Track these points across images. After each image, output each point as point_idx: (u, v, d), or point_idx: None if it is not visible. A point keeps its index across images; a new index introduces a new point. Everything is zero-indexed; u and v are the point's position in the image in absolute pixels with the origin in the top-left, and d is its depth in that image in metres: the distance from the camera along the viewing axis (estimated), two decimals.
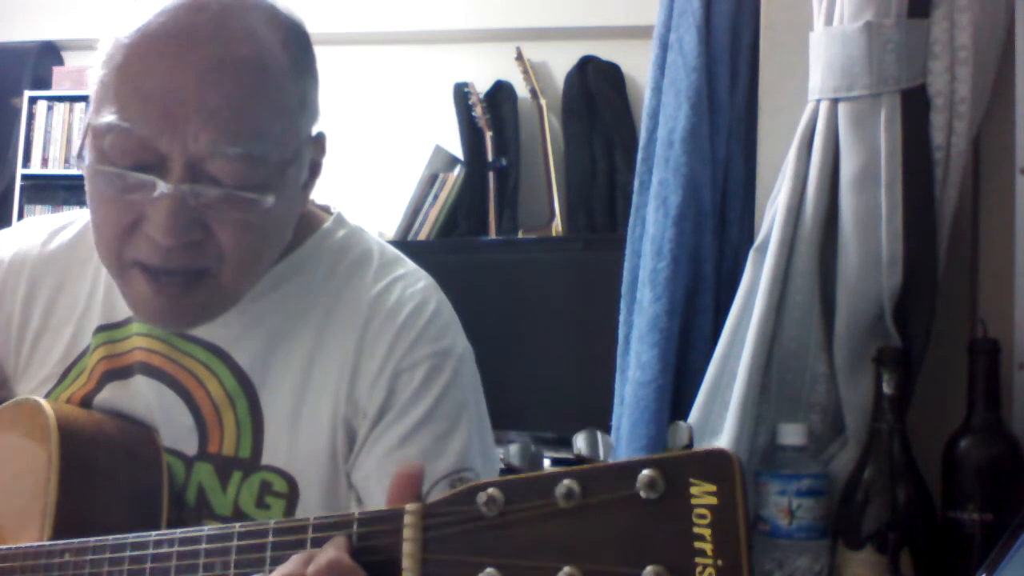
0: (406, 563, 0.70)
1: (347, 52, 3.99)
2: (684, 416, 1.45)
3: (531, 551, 0.65)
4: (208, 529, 0.83)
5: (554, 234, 3.68)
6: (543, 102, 3.86)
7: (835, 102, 1.34)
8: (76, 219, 1.18)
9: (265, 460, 1.05)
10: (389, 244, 1.17)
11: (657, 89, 1.68)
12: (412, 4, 4.09)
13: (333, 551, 0.73)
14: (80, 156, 0.98)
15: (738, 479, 0.61)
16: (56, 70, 4.44)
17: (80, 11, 4.13)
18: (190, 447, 1.07)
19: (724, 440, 1.34)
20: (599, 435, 0.69)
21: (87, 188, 1.00)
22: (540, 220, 3.78)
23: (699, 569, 0.61)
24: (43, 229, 1.18)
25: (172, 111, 0.92)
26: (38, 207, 4.32)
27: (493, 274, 3.42)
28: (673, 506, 0.62)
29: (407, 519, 0.71)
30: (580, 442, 0.68)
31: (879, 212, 1.31)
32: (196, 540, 0.83)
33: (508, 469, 0.71)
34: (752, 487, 1.32)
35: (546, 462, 2.50)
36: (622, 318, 1.70)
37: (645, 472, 0.63)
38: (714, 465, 0.62)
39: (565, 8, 3.92)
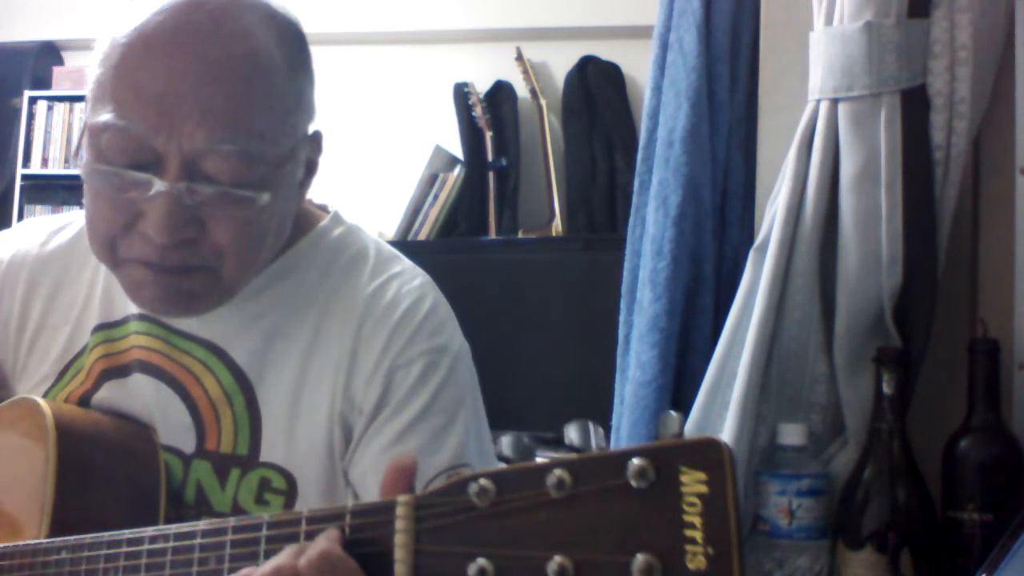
0: (398, 554, 0.70)
1: (347, 52, 3.99)
2: (684, 416, 1.45)
3: (523, 541, 0.66)
4: (203, 524, 0.83)
5: (554, 234, 3.68)
6: (543, 102, 3.86)
7: (835, 102, 1.34)
8: (75, 220, 1.18)
9: (263, 457, 1.05)
10: (387, 243, 1.18)
11: (657, 89, 1.68)
12: (412, 4, 4.10)
13: (325, 543, 0.74)
14: (78, 155, 0.99)
15: (728, 467, 0.61)
16: (56, 70, 4.45)
17: (80, 11, 4.13)
18: (188, 445, 1.07)
19: (724, 440, 1.34)
20: (591, 426, 0.69)
21: (85, 187, 1.00)
22: (540, 220, 3.78)
23: (689, 557, 0.61)
24: (42, 230, 1.19)
25: (168, 109, 0.93)
26: (38, 207, 4.32)
27: (493, 274, 3.42)
28: (663, 495, 0.62)
29: (399, 511, 0.71)
30: (572, 433, 0.69)
31: (879, 212, 1.31)
32: (191, 535, 0.83)
33: (502, 461, 0.72)
34: (752, 487, 1.32)
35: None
36: (622, 318, 1.70)
37: (635, 461, 0.63)
38: (704, 454, 0.62)
39: (565, 8, 3.92)
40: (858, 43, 1.31)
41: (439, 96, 3.99)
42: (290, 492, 1.05)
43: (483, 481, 0.68)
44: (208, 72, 0.94)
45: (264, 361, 1.07)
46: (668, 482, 0.62)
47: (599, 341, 2.08)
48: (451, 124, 3.94)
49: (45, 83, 4.43)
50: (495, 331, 2.97)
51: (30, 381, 1.13)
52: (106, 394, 1.09)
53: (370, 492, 1.02)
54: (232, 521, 0.81)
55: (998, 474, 1.24)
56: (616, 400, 1.69)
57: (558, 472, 0.65)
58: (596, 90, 3.82)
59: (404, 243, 3.66)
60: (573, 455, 0.67)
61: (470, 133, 3.89)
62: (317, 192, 1.13)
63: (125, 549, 0.87)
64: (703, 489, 0.61)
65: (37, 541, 0.96)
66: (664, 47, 1.68)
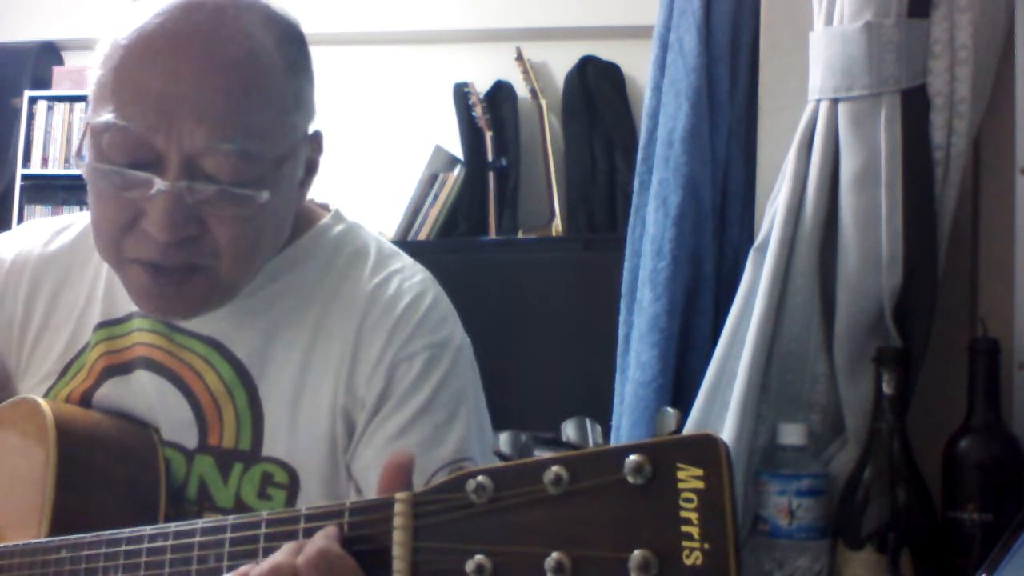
0: (396, 551, 0.71)
1: (347, 52, 3.99)
2: (684, 416, 1.45)
3: (520, 537, 0.66)
4: (202, 522, 0.83)
5: (554, 234, 3.68)
6: (543, 102, 3.86)
7: (835, 102, 1.34)
8: (77, 220, 1.19)
9: (265, 452, 1.06)
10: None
11: (657, 89, 1.68)
12: (412, 4, 4.10)
13: (323, 541, 0.74)
14: (79, 155, 1.00)
15: (724, 463, 0.62)
16: (56, 70, 4.45)
17: (80, 11, 4.13)
18: (190, 440, 1.07)
19: (724, 439, 1.34)
20: (588, 422, 0.69)
21: (88, 187, 1.01)
22: (540, 220, 3.78)
23: (686, 553, 0.61)
24: (45, 230, 1.19)
25: (168, 109, 0.94)
26: (38, 207, 4.32)
27: (493, 274, 3.42)
28: (660, 491, 0.62)
29: (397, 508, 0.72)
30: (569, 429, 0.69)
31: (879, 212, 1.31)
32: (190, 533, 0.83)
33: (499, 457, 0.72)
34: (752, 487, 1.32)
35: None
36: (622, 318, 1.70)
37: (632, 457, 0.63)
38: (701, 450, 0.62)
39: (565, 8, 3.92)
40: (858, 43, 1.31)
41: (439, 96, 3.99)
42: (292, 486, 1.05)
43: (481, 478, 0.68)
44: (208, 72, 0.95)
45: (265, 356, 1.07)
46: (665, 478, 0.63)
47: (599, 341, 2.08)
48: (451, 124, 3.94)
49: (45, 83, 4.43)
50: (495, 331, 2.96)
51: (33, 379, 1.14)
52: (108, 391, 1.10)
53: (373, 486, 1.02)
54: (231, 519, 0.82)
55: (998, 474, 1.24)
56: (616, 400, 1.69)
57: (555, 468, 0.65)
58: (596, 90, 3.82)
59: (404, 243, 3.66)
60: (570, 452, 0.67)
61: (470, 133, 3.89)
62: (318, 191, 1.14)
63: (125, 548, 0.87)
64: (700, 485, 0.62)
65: (37, 540, 0.96)
66: (664, 47, 1.68)
